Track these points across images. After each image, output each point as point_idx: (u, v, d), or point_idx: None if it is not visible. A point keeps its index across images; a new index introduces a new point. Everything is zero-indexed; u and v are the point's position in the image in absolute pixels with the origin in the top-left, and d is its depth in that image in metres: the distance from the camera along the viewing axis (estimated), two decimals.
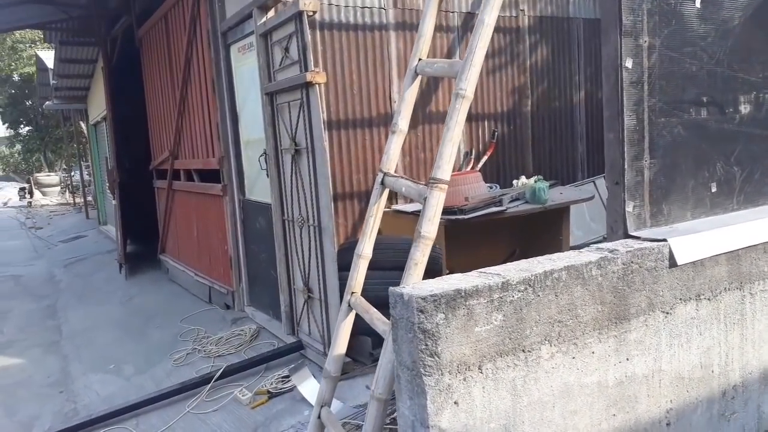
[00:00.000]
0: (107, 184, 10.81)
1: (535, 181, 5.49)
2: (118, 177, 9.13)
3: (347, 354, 4.28)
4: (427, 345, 1.53)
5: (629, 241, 1.96)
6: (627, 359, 1.88)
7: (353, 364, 4.29)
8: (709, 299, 2.04)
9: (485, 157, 6.88)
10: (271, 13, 4.75)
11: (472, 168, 7.06)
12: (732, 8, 2.21)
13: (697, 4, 2.11)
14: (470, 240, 5.35)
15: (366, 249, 2.79)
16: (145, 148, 9.14)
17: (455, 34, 6.93)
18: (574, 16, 7.79)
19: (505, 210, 5.16)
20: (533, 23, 7.44)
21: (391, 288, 1.79)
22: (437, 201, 2.31)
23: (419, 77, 2.75)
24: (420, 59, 2.71)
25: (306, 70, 4.08)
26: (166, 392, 4.30)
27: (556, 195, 5.81)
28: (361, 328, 4.55)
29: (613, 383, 1.87)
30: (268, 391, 4.11)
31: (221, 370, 4.37)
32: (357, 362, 4.33)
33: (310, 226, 4.39)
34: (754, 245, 2.11)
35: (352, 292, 2.82)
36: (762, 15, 2.28)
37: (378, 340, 4.18)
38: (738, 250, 2.07)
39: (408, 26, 6.62)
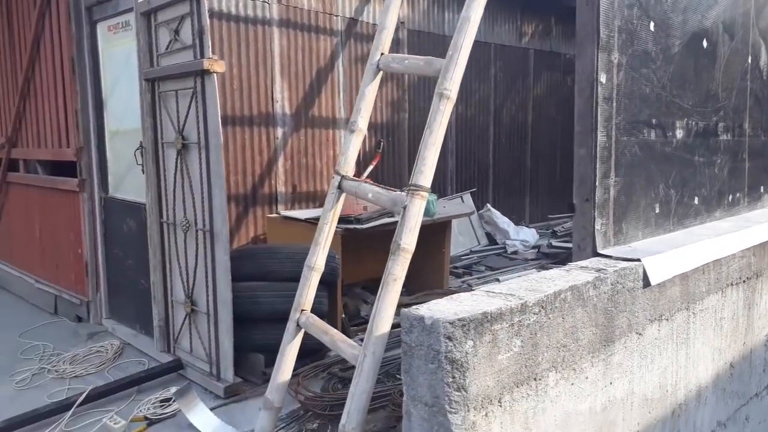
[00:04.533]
0: None
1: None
2: None
3: (236, 373, 3.92)
4: (454, 377, 1.33)
5: (602, 259, 1.94)
6: (611, 383, 1.84)
7: (244, 385, 3.92)
8: (667, 319, 2.09)
9: (371, 167, 6.78)
10: None
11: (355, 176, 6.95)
12: (673, 35, 2.33)
13: (651, 27, 2.18)
14: (360, 249, 5.20)
15: (319, 260, 2.52)
16: None
17: (338, 38, 6.80)
18: (449, 34, 8.04)
19: (397, 221, 5.08)
20: (410, 37, 7.55)
21: (405, 310, 1.54)
22: (418, 210, 2.12)
23: (381, 73, 2.54)
24: (382, 53, 2.51)
25: (203, 56, 3.68)
26: (14, 422, 3.58)
27: (439, 208, 5.89)
28: (251, 344, 4.20)
29: (600, 408, 1.81)
30: (146, 417, 3.59)
31: (85, 394, 3.74)
32: (248, 382, 3.97)
33: (199, 230, 3.95)
34: (698, 267, 2.22)
35: (302, 310, 2.50)
36: (693, 45, 2.44)
37: (271, 358, 3.88)
38: (688, 271, 2.15)
39: (293, 24, 6.37)
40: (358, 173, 7.09)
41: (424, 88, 7.86)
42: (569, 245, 8.33)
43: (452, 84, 2.10)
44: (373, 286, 5.88)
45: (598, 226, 2.00)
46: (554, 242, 8.53)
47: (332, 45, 6.75)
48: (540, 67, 9.62)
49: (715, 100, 2.65)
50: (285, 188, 6.42)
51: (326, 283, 4.34)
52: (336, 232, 4.77)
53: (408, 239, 2.10)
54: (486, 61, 8.70)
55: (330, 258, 4.29)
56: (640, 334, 1.96)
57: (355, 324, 5.15)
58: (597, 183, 1.98)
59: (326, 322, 4.46)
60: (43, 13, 5.53)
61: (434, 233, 5.80)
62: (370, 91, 2.51)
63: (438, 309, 1.44)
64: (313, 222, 4.98)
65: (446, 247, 5.95)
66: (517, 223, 8.94)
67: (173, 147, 4.07)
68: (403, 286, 6.59)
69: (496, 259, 7.99)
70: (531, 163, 9.67)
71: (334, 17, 6.73)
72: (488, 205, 8.57)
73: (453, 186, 8.33)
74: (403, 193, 2.21)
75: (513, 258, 8.08)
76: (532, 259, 8.04)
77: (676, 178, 2.42)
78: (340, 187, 2.50)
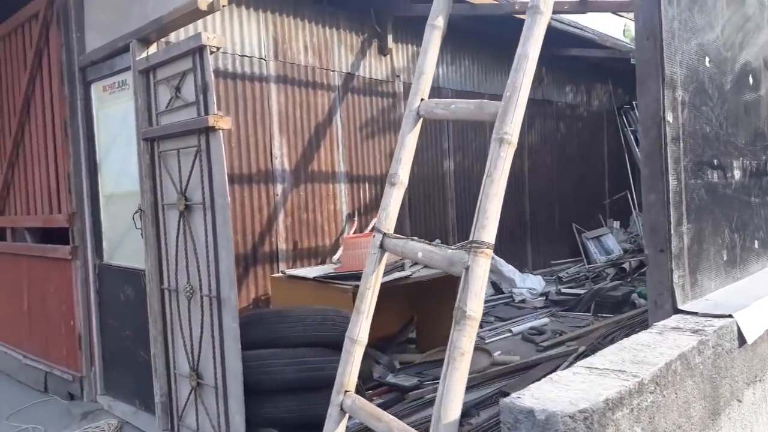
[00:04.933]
0: None
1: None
2: None
3: None
4: None
5: (686, 317, 1.71)
6: None
7: None
8: (761, 380, 1.86)
9: (375, 220, 6.61)
10: (153, 48, 4.12)
11: (357, 231, 6.74)
12: (726, 71, 2.20)
13: (707, 63, 2.04)
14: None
15: (363, 332, 2.24)
16: None
17: (336, 93, 6.72)
18: (444, 86, 8.02)
19: (410, 275, 4.85)
20: (407, 90, 7.49)
21: (505, 401, 1.27)
22: (484, 271, 1.87)
23: (421, 120, 2.35)
24: (422, 99, 2.32)
25: (207, 112, 3.50)
26: None
27: None
28: (262, 418, 3.87)
29: None
30: None
31: None
32: None
33: (204, 297, 3.68)
34: None
35: (346, 391, 2.20)
36: (741, 81, 2.30)
37: None
38: None
39: (290, 80, 6.28)
40: (361, 228, 6.89)
41: (424, 135, 7.76)
42: (578, 292, 8.11)
43: (513, 127, 1.91)
44: (381, 345, 5.58)
45: (675, 279, 1.79)
46: (563, 289, 8.30)
47: (330, 100, 6.66)
48: (534, 114, 9.62)
49: (762, 138, 2.51)
50: (286, 245, 6.19)
51: (333, 345, 4.06)
52: (344, 290, 4.53)
53: (474, 305, 1.85)
54: None
55: (340, 317, 4.04)
56: (740, 401, 1.72)
57: (369, 388, 4.83)
58: (672, 231, 1.77)
59: None
60: (33, 75, 5.37)
61: (448, 285, 5.55)
62: (411, 140, 2.29)
63: (547, 398, 1.19)
64: (322, 280, 4.73)
65: None
66: (521, 271, 8.73)
67: (175, 209, 3.85)
68: (414, 342, 6.29)
69: (504, 309, 7.73)
70: (530, 210, 9.55)
71: (331, 72, 6.67)
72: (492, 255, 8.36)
73: (454, 236, 8.14)
74: (461, 251, 1.97)
75: (521, 307, 7.83)
76: (541, 307, 7.80)
77: (738, 222, 2.25)
78: (382, 245, 2.25)
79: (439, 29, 2.30)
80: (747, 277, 2.28)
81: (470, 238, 1.86)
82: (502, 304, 7.99)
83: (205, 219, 3.60)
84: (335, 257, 6.31)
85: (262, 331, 3.89)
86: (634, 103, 11.58)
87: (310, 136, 6.47)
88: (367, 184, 7.01)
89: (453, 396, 1.72)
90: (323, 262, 6.47)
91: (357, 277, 4.64)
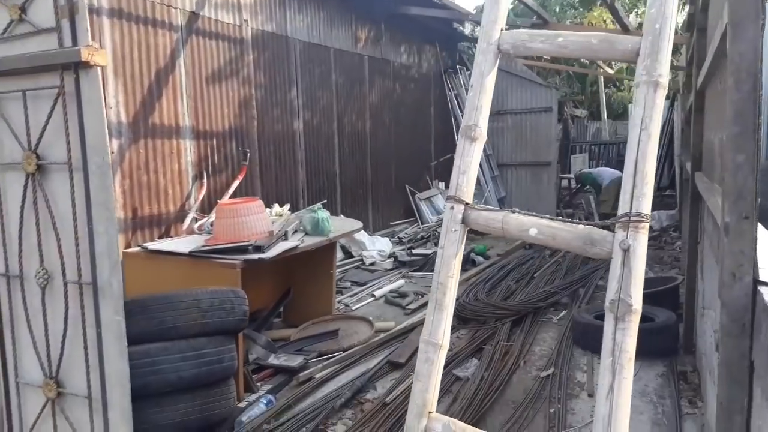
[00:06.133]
0: None
1: (316, 211, 4.83)
2: None
3: None
4: None
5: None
6: None
7: None
8: None
9: (237, 182, 5.90)
10: None
11: (206, 195, 5.97)
12: None
13: None
14: (249, 280, 4.38)
15: (446, 334, 1.71)
16: None
17: (179, 34, 5.79)
18: (291, 36, 7.42)
19: (298, 246, 4.37)
20: (255, 37, 6.78)
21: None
22: (644, 250, 1.48)
23: (499, 58, 1.82)
24: (503, 29, 1.80)
25: (76, 43, 2.64)
26: None
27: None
28: (152, 427, 3.18)
29: None
30: None
31: None
32: None
33: (69, 283, 2.85)
34: None
35: (430, 412, 1.65)
36: None
37: None
38: None
39: (125, 15, 5.23)
40: (210, 192, 6.13)
41: (274, 89, 7.13)
42: (427, 252, 8.25)
43: (664, 67, 1.53)
44: (253, 323, 5.03)
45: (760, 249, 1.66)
46: (414, 251, 8.39)
47: (172, 42, 5.72)
48: (374, 72, 9.45)
49: None
50: (124, 213, 5.25)
51: (232, 331, 3.51)
52: (232, 266, 3.93)
53: (637, 295, 1.46)
54: (327, 66, 8.24)
55: (239, 299, 3.49)
56: None
57: (252, 372, 4.31)
58: (758, 196, 1.62)
59: (233, 378, 3.62)
60: None
61: (321, 254, 5.17)
62: (490, 82, 1.79)
63: None
64: (200, 255, 4.04)
65: (333, 268, 5.35)
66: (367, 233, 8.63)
67: (17, 170, 2.90)
68: (282, 317, 5.80)
69: (357, 273, 7.57)
70: (371, 171, 9.45)
71: (173, 9, 5.70)
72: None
73: (305, 198, 7.71)
74: (607, 227, 1.54)
75: (373, 270, 7.74)
76: (391, 269, 7.79)
77: None
78: (464, 220, 1.75)
79: None
80: None
81: (626, 210, 1.46)
82: (353, 267, 7.82)
83: (72, 183, 2.75)
84: (185, 226, 5.53)
85: (146, 321, 3.17)
86: (458, 67, 12.05)
87: (151, 83, 5.50)
88: (215, 140, 6.22)
89: (623, 414, 1.35)
90: (167, 233, 5.63)
91: (240, 250, 4.06)
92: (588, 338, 5.01)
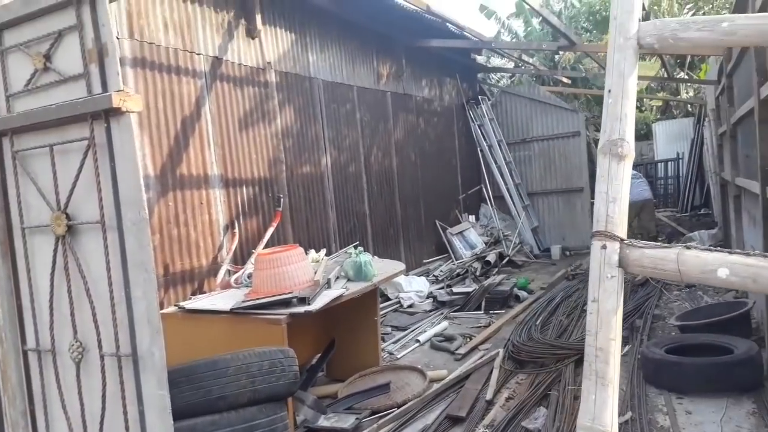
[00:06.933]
0: None
1: (357, 255, 4.52)
2: None
3: None
4: None
5: None
6: None
7: None
8: None
9: (271, 229, 5.62)
10: None
11: (238, 244, 5.70)
12: None
13: None
14: (291, 335, 4.06)
15: (614, 420, 1.34)
16: None
17: (203, 80, 5.63)
18: (315, 76, 7.25)
19: (343, 294, 4.04)
20: (279, 79, 6.61)
21: None
22: None
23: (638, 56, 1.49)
24: (639, 20, 1.47)
25: (107, 89, 2.40)
26: None
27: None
28: None
29: None
30: None
31: None
32: None
33: (106, 356, 2.55)
34: None
35: None
36: None
37: None
38: None
39: (149, 64, 5.07)
40: (258, 242, 5.87)
41: (300, 131, 6.92)
42: (467, 290, 7.87)
43: None
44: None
45: None
46: (454, 289, 8.01)
47: (197, 89, 5.54)
48: (397, 109, 9.25)
49: None
50: (155, 271, 4.96)
51: (283, 396, 3.16)
52: (275, 322, 3.60)
53: None
54: (351, 104, 8.05)
55: (288, 359, 3.15)
56: None
57: None
58: None
59: None
60: None
61: (363, 300, 4.82)
62: (632, 85, 1.45)
63: None
64: (241, 312, 3.72)
65: (377, 314, 5.00)
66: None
67: (46, 233, 2.64)
68: (326, 371, 5.40)
69: (396, 316, 7.20)
70: (401, 209, 9.16)
71: (196, 56, 5.54)
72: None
73: (337, 241, 7.41)
74: None
75: (412, 312, 7.37)
76: (430, 310, 7.41)
77: None
78: (621, 262, 1.37)
79: None
80: None
81: None
82: (391, 311, 7.45)
83: (105, 244, 2.48)
84: (219, 279, 5.24)
85: (190, 393, 2.84)
86: (479, 97, 11.84)
87: (177, 133, 5.30)
88: (244, 188, 5.98)
89: None
90: (200, 288, 5.35)
91: (283, 303, 3.74)
92: (662, 376, 4.56)
